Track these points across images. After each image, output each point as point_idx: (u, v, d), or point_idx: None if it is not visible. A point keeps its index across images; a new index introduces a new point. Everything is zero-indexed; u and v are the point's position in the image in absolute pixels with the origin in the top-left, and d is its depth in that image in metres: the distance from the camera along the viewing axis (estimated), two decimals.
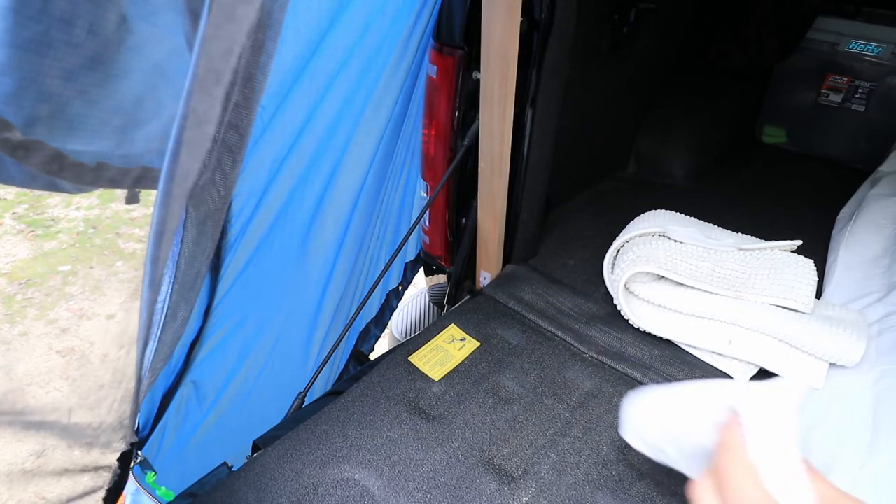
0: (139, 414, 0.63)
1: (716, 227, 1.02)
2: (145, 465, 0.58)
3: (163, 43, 0.42)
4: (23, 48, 0.35)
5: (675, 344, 0.91)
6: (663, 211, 1.03)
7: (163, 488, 0.57)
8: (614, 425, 0.77)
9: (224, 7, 0.28)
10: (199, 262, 0.48)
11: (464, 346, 0.88)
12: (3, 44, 0.34)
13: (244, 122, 0.39)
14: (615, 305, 0.95)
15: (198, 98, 0.29)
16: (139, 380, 0.45)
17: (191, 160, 0.31)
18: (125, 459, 0.53)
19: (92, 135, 0.41)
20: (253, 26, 0.31)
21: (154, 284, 0.38)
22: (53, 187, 0.44)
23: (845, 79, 1.58)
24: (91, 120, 0.41)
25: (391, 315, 1.19)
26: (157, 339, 0.45)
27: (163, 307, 0.44)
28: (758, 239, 0.97)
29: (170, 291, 0.45)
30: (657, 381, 0.84)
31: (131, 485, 0.54)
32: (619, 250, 0.99)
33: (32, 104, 0.37)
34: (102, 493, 0.52)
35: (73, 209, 2.61)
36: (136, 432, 0.59)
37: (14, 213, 2.56)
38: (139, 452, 0.56)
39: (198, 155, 0.32)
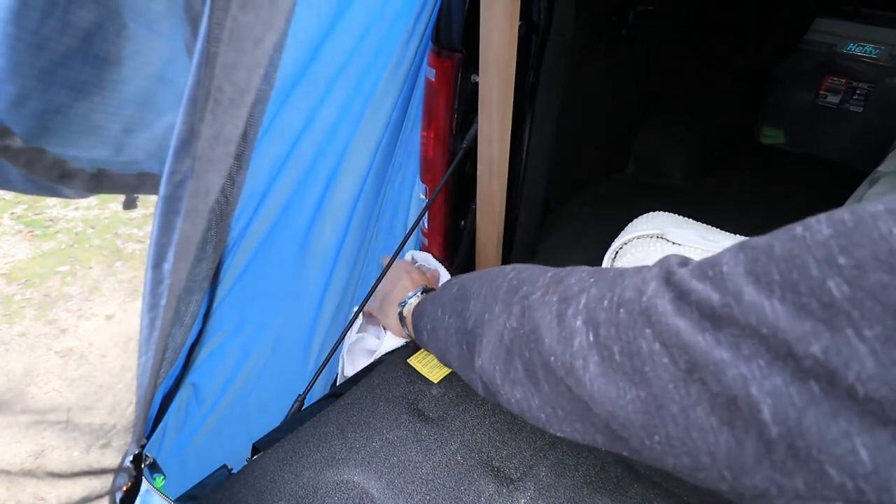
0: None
1: (714, 228, 1.03)
2: (154, 468, 0.58)
3: (163, 49, 0.42)
4: (23, 56, 0.35)
5: None
6: (661, 213, 1.04)
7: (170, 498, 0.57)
8: None
9: (250, 32, 0.29)
10: (203, 266, 0.48)
11: None
12: (4, 52, 0.35)
13: (252, 130, 0.39)
14: None
15: (223, 119, 0.30)
16: (154, 385, 0.45)
17: (216, 177, 0.32)
18: (138, 462, 0.53)
19: (92, 141, 0.42)
20: (275, 47, 0.32)
21: (157, 290, 0.39)
22: (54, 193, 0.44)
23: (843, 80, 1.58)
24: (91, 127, 0.41)
25: None
26: (165, 345, 0.46)
27: (171, 313, 0.45)
28: None
29: (175, 297, 0.45)
30: None
31: (142, 485, 0.55)
32: (617, 252, 0.99)
33: (33, 112, 0.37)
34: (112, 497, 0.52)
35: (71, 209, 2.61)
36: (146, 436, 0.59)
37: (13, 213, 2.56)
38: (147, 454, 0.56)
39: (222, 171, 0.33)
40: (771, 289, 0.28)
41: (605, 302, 0.37)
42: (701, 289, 0.31)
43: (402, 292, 0.82)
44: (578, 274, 0.43)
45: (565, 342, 0.39)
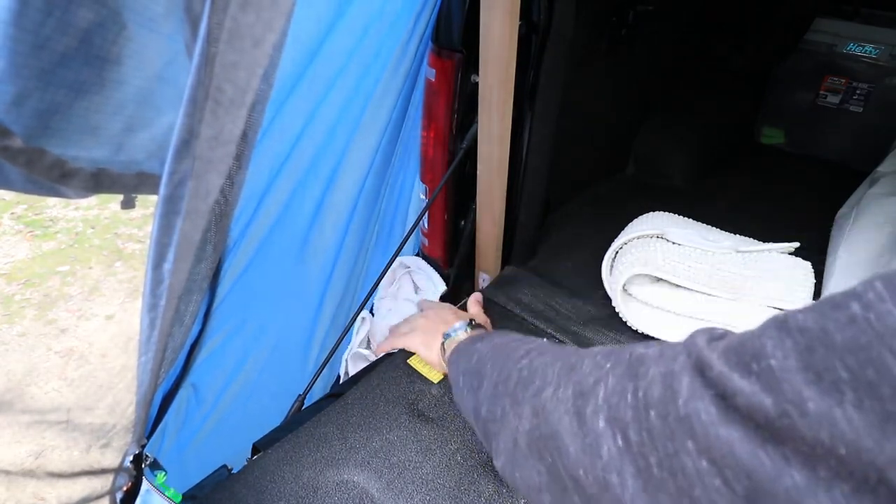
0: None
1: (714, 228, 1.03)
2: (155, 466, 0.58)
3: (162, 49, 0.42)
4: (23, 56, 0.35)
5: None
6: (661, 213, 1.04)
7: (172, 489, 0.57)
8: None
9: (250, 32, 0.29)
10: (203, 266, 0.48)
11: None
12: (3, 52, 0.35)
13: (252, 130, 0.39)
14: (613, 307, 0.95)
15: (224, 119, 0.30)
16: (154, 385, 0.46)
17: (216, 177, 0.32)
18: (138, 461, 0.54)
19: (92, 141, 0.42)
20: (275, 46, 0.32)
21: (157, 290, 0.39)
22: (53, 193, 0.44)
23: (843, 80, 1.58)
24: (91, 126, 0.41)
25: None
26: (166, 345, 0.46)
27: (171, 313, 0.45)
28: (756, 241, 0.98)
29: (175, 297, 0.45)
30: None
31: (143, 485, 0.55)
32: (617, 252, 0.99)
33: (33, 112, 0.37)
34: (113, 496, 0.52)
35: (71, 209, 2.61)
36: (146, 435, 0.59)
37: (13, 213, 2.56)
38: (147, 454, 0.57)
39: (222, 172, 0.33)
40: (840, 390, 0.22)
41: (629, 396, 0.32)
42: (748, 390, 0.25)
43: (446, 326, 0.77)
44: (592, 359, 0.38)
45: (592, 452, 0.33)
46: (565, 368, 0.40)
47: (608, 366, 0.36)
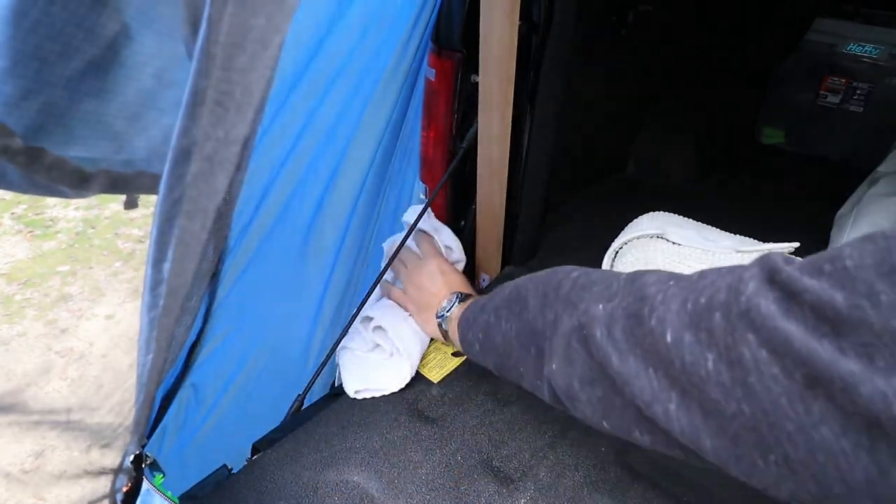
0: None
1: (714, 228, 1.03)
2: (154, 467, 0.58)
3: (163, 50, 0.42)
4: (23, 56, 0.35)
5: None
6: (661, 213, 1.04)
7: (168, 492, 0.57)
8: None
9: (260, 37, 0.29)
10: (203, 266, 0.48)
11: None
12: (4, 51, 0.35)
13: (253, 131, 0.39)
14: None
15: (235, 119, 0.30)
16: (156, 385, 0.46)
17: (223, 177, 0.33)
18: (138, 462, 0.54)
19: (92, 141, 0.42)
20: (279, 48, 0.32)
21: (157, 290, 0.39)
22: (54, 192, 0.44)
23: (843, 80, 1.58)
24: (92, 126, 0.41)
25: None
26: (167, 344, 0.46)
27: (171, 313, 0.45)
28: (756, 241, 0.98)
29: (175, 297, 0.45)
30: None
31: (143, 485, 0.55)
32: (617, 252, 0.99)
33: (33, 111, 0.37)
34: (113, 497, 0.52)
35: (71, 209, 2.61)
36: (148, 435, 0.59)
37: (13, 213, 2.56)
38: (147, 454, 0.57)
39: (229, 171, 0.33)
40: None
41: (689, 304, 0.33)
42: (818, 287, 0.26)
43: (436, 300, 0.78)
44: (656, 275, 0.40)
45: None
46: (629, 280, 0.42)
47: (671, 282, 0.37)
